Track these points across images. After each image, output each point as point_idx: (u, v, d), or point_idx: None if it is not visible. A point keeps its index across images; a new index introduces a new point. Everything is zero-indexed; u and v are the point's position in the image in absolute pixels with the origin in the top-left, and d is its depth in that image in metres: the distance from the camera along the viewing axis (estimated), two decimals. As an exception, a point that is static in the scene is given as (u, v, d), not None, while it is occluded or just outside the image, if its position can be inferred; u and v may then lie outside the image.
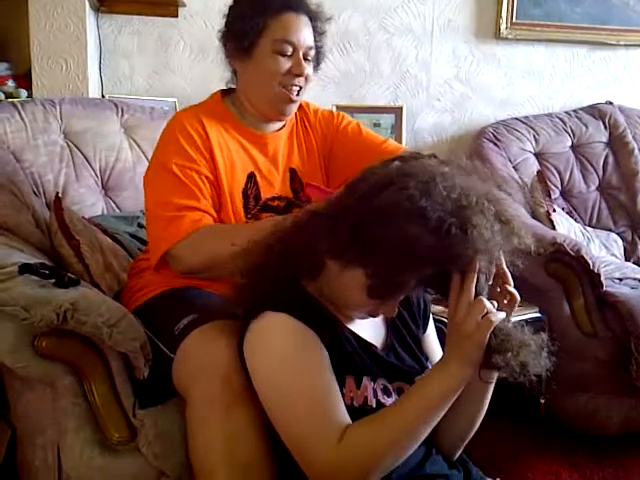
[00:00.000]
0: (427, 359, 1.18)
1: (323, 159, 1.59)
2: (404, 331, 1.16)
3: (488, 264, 0.97)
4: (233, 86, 1.56)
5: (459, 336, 0.97)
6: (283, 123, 1.56)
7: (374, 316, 1.10)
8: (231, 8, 1.51)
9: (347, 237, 0.98)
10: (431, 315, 1.24)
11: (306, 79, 1.49)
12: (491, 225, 0.94)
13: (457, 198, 0.93)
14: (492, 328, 0.95)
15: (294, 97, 1.48)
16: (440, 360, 1.02)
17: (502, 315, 0.97)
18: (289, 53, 1.44)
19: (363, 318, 1.10)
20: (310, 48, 1.48)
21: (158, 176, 1.43)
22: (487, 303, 0.97)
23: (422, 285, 1.02)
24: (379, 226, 0.95)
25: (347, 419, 1.00)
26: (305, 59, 1.47)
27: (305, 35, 1.46)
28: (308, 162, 1.56)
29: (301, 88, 1.49)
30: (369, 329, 1.13)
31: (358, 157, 1.50)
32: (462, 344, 0.97)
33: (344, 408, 1.01)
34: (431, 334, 1.24)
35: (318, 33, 1.51)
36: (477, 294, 0.97)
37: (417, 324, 1.19)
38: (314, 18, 1.50)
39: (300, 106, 1.59)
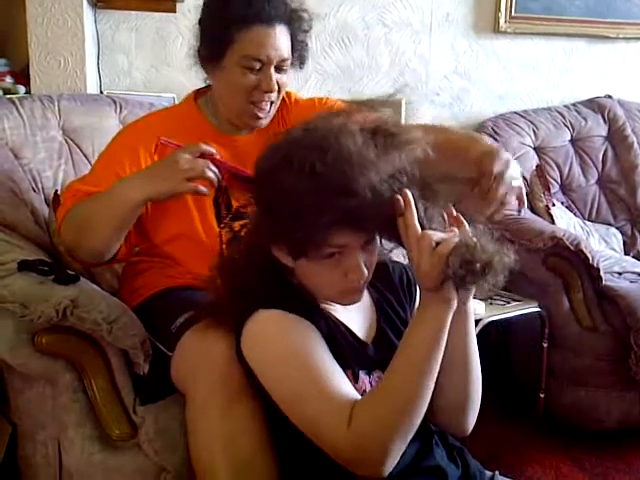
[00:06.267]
0: None
1: None
2: (393, 316, 1.15)
3: (419, 193, 0.96)
4: (210, 82, 1.49)
5: (420, 277, 0.96)
6: None
7: (352, 293, 1.04)
8: (205, 4, 1.43)
9: (268, 223, 1.00)
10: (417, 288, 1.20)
11: (280, 89, 1.41)
12: (368, 142, 0.93)
13: (320, 135, 0.96)
14: (445, 259, 0.92)
15: (261, 114, 1.41)
16: (417, 308, 1.01)
17: (452, 242, 0.93)
18: (258, 68, 1.37)
19: (349, 304, 1.06)
20: (284, 60, 1.39)
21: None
22: (432, 234, 0.94)
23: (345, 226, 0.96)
24: (272, 194, 0.98)
25: (355, 395, 0.99)
26: (280, 70, 1.40)
27: (277, 48, 1.37)
28: None
29: (272, 102, 1.42)
30: (360, 320, 1.12)
31: None
32: (426, 284, 0.96)
33: (350, 386, 1.01)
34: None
35: (303, 31, 1.42)
36: (423, 226, 0.95)
37: (404, 308, 1.17)
38: (293, 20, 1.40)
39: (282, 99, 1.50)
